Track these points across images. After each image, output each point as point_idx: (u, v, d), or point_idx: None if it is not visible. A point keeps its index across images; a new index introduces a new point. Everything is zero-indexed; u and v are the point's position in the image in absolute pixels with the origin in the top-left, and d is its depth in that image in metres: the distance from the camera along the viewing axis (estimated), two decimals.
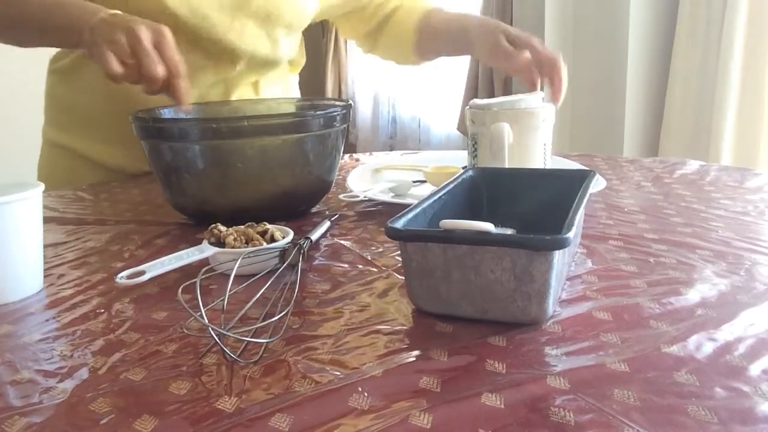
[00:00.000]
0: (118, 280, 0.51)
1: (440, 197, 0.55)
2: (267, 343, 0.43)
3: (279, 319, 0.45)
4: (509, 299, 0.44)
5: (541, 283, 0.43)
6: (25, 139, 1.56)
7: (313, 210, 0.80)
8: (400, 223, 0.46)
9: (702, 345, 0.42)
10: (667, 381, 0.38)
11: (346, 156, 1.15)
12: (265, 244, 0.58)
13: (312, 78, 1.18)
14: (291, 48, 1.05)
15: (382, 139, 3.63)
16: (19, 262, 0.53)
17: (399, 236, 0.46)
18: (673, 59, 2.16)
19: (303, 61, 1.14)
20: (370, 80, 3.63)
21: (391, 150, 3.42)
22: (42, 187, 0.55)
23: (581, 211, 0.49)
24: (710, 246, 0.61)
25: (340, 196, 0.82)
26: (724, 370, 0.39)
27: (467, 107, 0.75)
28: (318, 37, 3.60)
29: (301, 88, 1.20)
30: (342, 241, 0.67)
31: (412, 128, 3.50)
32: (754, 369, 0.39)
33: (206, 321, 0.41)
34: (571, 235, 0.42)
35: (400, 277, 0.56)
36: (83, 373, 0.41)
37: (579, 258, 0.59)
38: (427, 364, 0.40)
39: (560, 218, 0.46)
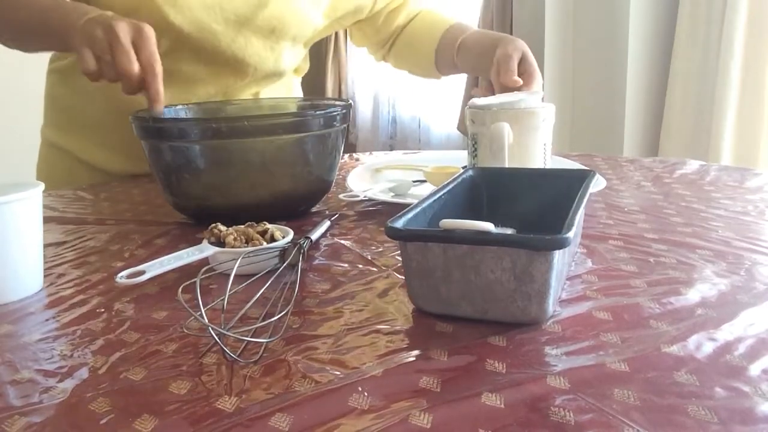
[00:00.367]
0: (118, 279, 0.51)
1: (440, 197, 0.55)
2: (267, 342, 0.43)
3: (279, 318, 0.45)
4: (509, 299, 0.44)
5: (541, 283, 0.43)
6: (25, 139, 1.56)
7: (313, 210, 0.80)
8: (400, 223, 0.46)
9: (702, 345, 0.42)
10: (667, 381, 0.38)
11: (346, 156, 1.15)
12: (265, 243, 0.58)
13: (312, 78, 1.18)
14: (295, 61, 1.05)
15: (382, 139, 3.63)
16: (19, 262, 0.53)
17: (399, 236, 0.46)
18: (673, 59, 2.16)
19: (307, 66, 1.14)
20: (370, 80, 3.63)
21: (391, 150, 3.42)
22: (42, 187, 0.55)
23: (581, 211, 0.49)
24: (710, 246, 0.61)
25: (340, 196, 0.82)
26: (724, 370, 0.39)
27: (467, 107, 0.75)
28: (317, 40, 3.59)
29: (301, 88, 1.20)
30: (342, 241, 0.67)
31: (412, 128, 3.50)
32: (754, 369, 0.39)
33: (206, 321, 0.41)
34: (571, 235, 0.42)
35: (400, 277, 0.56)
36: (83, 373, 0.41)
37: (579, 258, 0.59)
38: (427, 364, 0.40)
39: (560, 218, 0.46)
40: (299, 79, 1.17)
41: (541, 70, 0.87)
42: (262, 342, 0.43)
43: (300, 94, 1.17)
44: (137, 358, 0.43)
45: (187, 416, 0.36)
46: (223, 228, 0.60)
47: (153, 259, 0.55)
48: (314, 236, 0.64)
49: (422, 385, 0.38)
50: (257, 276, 0.53)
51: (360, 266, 0.59)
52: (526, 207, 0.60)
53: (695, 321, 0.45)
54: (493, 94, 0.84)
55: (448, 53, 1.06)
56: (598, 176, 0.74)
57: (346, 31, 1.20)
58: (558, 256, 0.43)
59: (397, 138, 3.58)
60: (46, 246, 0.60)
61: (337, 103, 0.78)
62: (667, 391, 0.37)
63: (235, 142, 0.68)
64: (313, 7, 0.97)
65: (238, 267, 0.49)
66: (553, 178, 0.62)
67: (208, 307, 0.49)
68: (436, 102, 3.29)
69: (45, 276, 0.58)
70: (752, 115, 2.02)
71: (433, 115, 3.36)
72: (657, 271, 0.55)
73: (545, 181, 0.62)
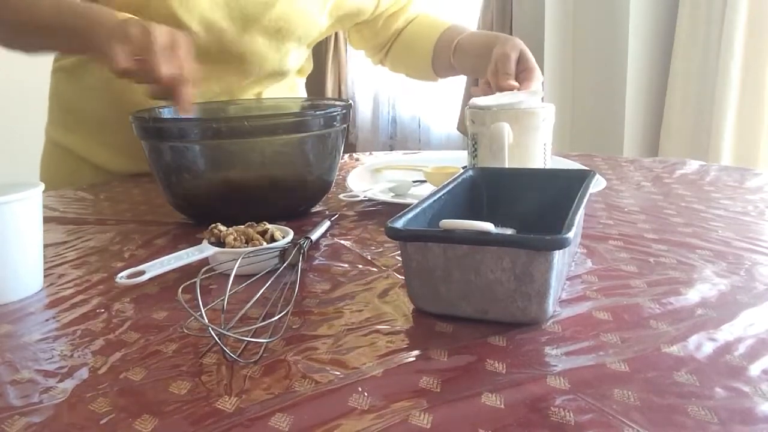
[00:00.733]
0: (118, 279, 0.51)
1: (440, 197, 0.55)
2: (267, 343, 0.43)
3: (279, 319, 0.45)
4: (509, 299, 0.44)
5: (541, 283, 0.43)
6: (26, 138, 1.56)
7: (313, 210, 0.80)
8: (400, 223, 0.46)
9: (702, 345, 0.42)
10: (667, 381, 0.38)
11: (346, 156, 1.15)
12: (265, 244, 0.58)
13: (312, 78, 1.18)
14: (299, 61, 1.05)
15: (382, 139, 3.63)
16: (19, 262, 0.53)
17: (399, 236, 0.46)
18: (673, 59, 2.16)
19: (310, 67, 1.14)
20: (370, 80, 3.63)
21: (391, 150, 3.42)
22: (42, 187, 0.55)
23: (581, 211, 0.49)
24: (710, 246, 0.61)
25: (340, 196, 0.82)
26: (724, 370, 0.39)
27: (467, 107, 0.75)
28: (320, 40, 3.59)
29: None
30: (342, 241, 0.67)
31: (412, 128, 3.50)
32: (754, 369, 0.39)
33: (206, 321, 0.41)
34: (571, 235, 0.42)
35: (400, 277, 0.56)
36: (83, 373, 0.41)
37: (579, 258, 0.59)
38: (427, 364, 0.40)
39: (560, 218, 0.46)
40: (303, 80, 1.17)
41: (541, 70, 0.87)
42: (262, 342, 0.43)
43: (304, 95, 1.17)
44: (137, 358, 0.43)
45: (187, 416, 0.36)
46: (223, 228, 0.60)
47: (153, 259, 0.55)
48: (314, 236, 0.64)
49: (422, 385, 0.38)
50: (257, 276, 0.53)
51: (360, 266, 0.59)
52: (526, 207, 0.60)
53: (695, 321, 0.45)
54: (492, 92, 0.83)
55: (445, 55, 1.06)
56: (598, 176, 0.74)
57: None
58: (558, 256, 0.43)
59: (397, 138, 3.58)
60: (46, 246, 0.60)
61: (337, 103, 0.78)
62: (667, 391, 0.37)
63: (235, 143, 0.68)
64: (318, 8, 0.97)
65: (238, 267, 0.49)
66: (553, 178, 0.62)
67: (208, 307, 0.49)
68: (436, 102, 3.29)
69: (45, 276, 0.58)
70: (752, 115, 2.02)
71: (433, 115, 3.36)
72: (657, 272, 0.55)
73: (545, 181, 0.62)
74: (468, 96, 0.84)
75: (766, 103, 2.00)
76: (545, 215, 0.56)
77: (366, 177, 0.92)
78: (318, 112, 0.72)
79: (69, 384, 0.40)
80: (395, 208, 0.73)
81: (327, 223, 0.69)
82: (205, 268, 0.50)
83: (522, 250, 0.42)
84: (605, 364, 0.40)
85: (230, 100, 0.97)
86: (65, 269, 0.61)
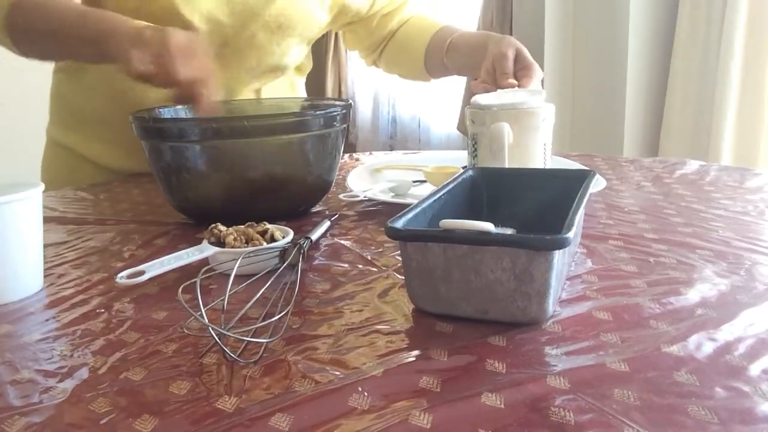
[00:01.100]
0: (118, 279, 0.51)
1: (440, 197, 0.55)
2: (267, 343, 0.43)
3: (279, 319, 0.45)
4: (509, 299, 0.44)
5: (541, 283, 0.43)
6: (26, 139, 1.56)
7: (313, 210, 0.80)
8: (400, 223, 0.46)
9: (702, 345, 0.42)
10: (667, 381, 0.38)
11: (346, 156, 1.15)
12: (265, 244, 0.58)
13: (312, 78, 1.18)
14: (298, 57, 1.05)
15: (382, 139, 3.63)
16: (19, 262, 0.53)
17: (399, 236, 0.46)
18: (673, 59, 2.16)
19: (310, 65, 1.14)
20: (370, 80, 3.63)
21: (391, 150, 3.42)
22: (42, 187, 0.55)
23: (581, 211, 0.49)
24: (710, 246, 0.61)
25: (340, 196, 0.82)
26: (724, 370, 0.39)
27: (467, 107, 0.75)
28: (318, 38, 3.59)
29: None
30: (342, 241, 0.67)
31: (412, 128, 3.50)
32: (754, 369, 0.39)
33: (206, 321, 0.41)
34: (571, 235, 0.42)
35: (400, 277, 0.56)
36: (83, 373, 0.41)
37: (579, 258, 0.59)
38: (427, 364, 0.40)
39: (560, 218, 0.46)
40: (303, 80, 1.17)
41: (541, 71, 0.87)
42: (262, 342, 0.43)
43: (304, 94, 1.17)
44: (137, 358, 0.43)
45: (187, 416, 0.36)
46: (223, 228, 0.60)
47: (153, 259, 0.55)
48: (314, 236, 0.64)
49: (422, 385, 0.38)
50: (257, 276, 0.53)
51: (360, 266, 0.59)
52: (526, 207, 0.60)
53: (695, 321, 0.45)
54: (493, 88, 0.83)
55: (438, 55, 1.06)
56: (598, 176, 0.74)
57: None
58: (558, 256, 0.43)
59: (397, 138, 3.58)
60: (46, 246, 0.60)
61: (337, 103, 0.78)
62: (667, 391, 0.37)
63: (235, 143, 0.68)
64: (318, 4, 0.98)
65: (238, 267, 0.49)
66: (553, 178, 0.62)
67: (208, 307, 0.49)
68: (436, 102, 3.29)
69: (45, 276, 0.58)
70: (752, 115, 2.02)
71: (433, 115, 3.36)
72: (657, 271, 0.55)
73: (545, 181, 0.62)
74: (468, 96, 0.83)
75: (766, 103, 2.00)
76: (545, 215, 0.56)
77: (366, 177, 0.92)
78: (318, 112, 0.72)
79: (69, 384, 0.40)
80: (395, 208, 0.73)
81: (327, 223, 0.69)
82: (205, 268, 0.50)
83: (522, 250, 0.42)
84: (605, 364, 0.40)
85: (230, 101, 0.97)
86: (65, 269, 0.61)
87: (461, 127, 2.90)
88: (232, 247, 0.57)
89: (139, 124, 0.70)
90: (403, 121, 3.55)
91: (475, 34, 1.03)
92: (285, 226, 0.63)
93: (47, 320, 0.50)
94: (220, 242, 0.59)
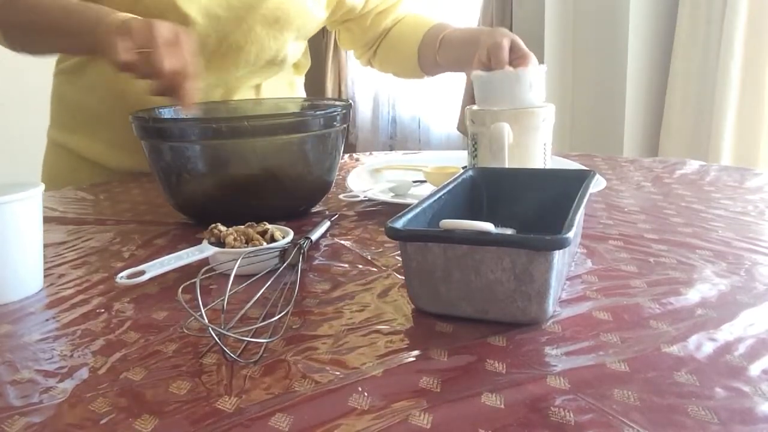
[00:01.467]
0: (118, 280, 0.51)
1: (440, 197, 0.55)
2: (267, 343, 0.43)
3: (279, 319, 0.45)
4: (509, 299, 0.44)
5: (541, 283, 0.43)
6: (26, 139, 1.56)
7: (313, 210, 0.80)
8: (400, 223, 0.46)
9: (702, 345, 0.42)
10: (667, 381, 0.38)
11: (346, 156, 1.15)
12: (265, 244, 0.58)
13: (312, 78, 1.18)
14: (295, 53, 1.05)
15: (382, 139, 3.63)
16: (19, 262, 0.53)
17: (399, 236, 0.46)
18: (673, 59, 2.16)
19: (308, 63, 1.14)
20: (370, 80, 3.63)
21: (391, 150, 3.42)
22: (42, 187, 0.55)
23: (581, 211, 0.49)
24: (710, 246, 0.61)
25: (340, 196, 0.82)
26: (724, 370, 0.39)
27: (467, 107, 0.75)
28: (318, 38, 3.60)
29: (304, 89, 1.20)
30: (342, 241, 0.67)
31: (412, 128, 3.50)
32: (754, 369, 0.39)
33: (206, 321, 0.41)
34: (571, 235, 0.42)
35: (400, 277, 0.56)
36: (83, 373, 0.41)
37: (579, 258, 0.59)
38: (427, 364, 0.40)
39: (560, 218, 0.46)
40: (302, 79, 1.17)
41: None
42: (262, 342, 0.43)
43: (303, 94, 1.17)
44: (137, 358, 0.43)
45: (187, 416, 0.36)
46: (223, 228, 0.60)
47: (153, 259, 0.55)
48: (314, 236, 0.64)
49: (422, 385, 0.38)
50: (257, 276, 0.53)
51: (360, 266, 0.59)
52: (526, 207, 0.60)
53: (695, 321, 0.45)
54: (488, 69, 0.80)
55: (431, 51, 1.06)
56: (598, 176, 0.74)
57: None
58: (558, 256, 0.43)
59: (397, 138, 3.58)
60: (46, 246, 0.60)
61: (337, 103, 0.78)
62: (667, 391, 0.37)
63: (235, 143, 0.68)
64: (315, 1, 0.98)
65: (238, 267, 0.49)
66: (553, 178, 0.62)
67: (208, 307, 0.49)
68: (436, 102, 3.29)
69: (45, 276, 0.58)
70: (752, 115, 2.02)
71: (433, 115, 3.36)
72: (657, 272, 0.55)
73: (545, 181, 0.62)
74: (468, 96, 0.82)
75: (766, 103, 2.00)
76: (545, 215, 0.56)
77: (366, 177, 0.92)
78: (318, 112, 0.72)
79: (69, 384, 0.40)
80: (395, 208, 0.73)
81: (327, 223, 0.69)
82: (205, 268, 0.50)
83: (522, 250, 0.42)
84: (605, 364, 0.40)
85: (229, 100, 0.97)
86: (65, 269, 0.61)
87: (461, 127, 2.89)
88: (232, 247, 0.57)
89: (139, 124, 0.70)
90: (403, 121, 3.55)
91: (468, 29, 1.03)
92: (285, 226, 0.63)
93: (47, 320, 0.50)
94: (220, 242, 0.59)
